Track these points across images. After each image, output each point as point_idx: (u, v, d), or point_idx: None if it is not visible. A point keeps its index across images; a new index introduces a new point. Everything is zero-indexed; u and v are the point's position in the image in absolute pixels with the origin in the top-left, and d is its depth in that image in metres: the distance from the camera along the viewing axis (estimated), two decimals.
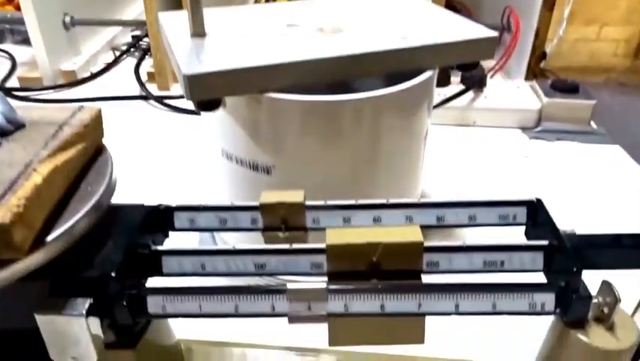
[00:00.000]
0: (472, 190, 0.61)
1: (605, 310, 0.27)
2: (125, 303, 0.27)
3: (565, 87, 0.74)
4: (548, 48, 0.85)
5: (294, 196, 0.31)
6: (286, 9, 0.50)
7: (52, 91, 0.83)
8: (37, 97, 0.82)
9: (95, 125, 0.31)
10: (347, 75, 0.41)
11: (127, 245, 0.28)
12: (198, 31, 0.43)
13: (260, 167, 0.42)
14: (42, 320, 0.26)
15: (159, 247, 0.29)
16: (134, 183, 0.53)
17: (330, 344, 0.27)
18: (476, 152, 0.70)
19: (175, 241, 0.32)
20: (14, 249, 0.23)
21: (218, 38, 0.43)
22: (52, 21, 0.84)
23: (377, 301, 0.26)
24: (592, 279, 0.27)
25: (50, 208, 0.26)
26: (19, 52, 0.94)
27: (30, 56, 0.87)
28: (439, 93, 0.73)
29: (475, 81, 0.75)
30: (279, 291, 0.26)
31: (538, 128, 0.74)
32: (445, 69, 0.77)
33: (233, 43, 0.42)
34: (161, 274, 0.29)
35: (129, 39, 0.99)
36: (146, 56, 0.91)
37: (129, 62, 0.93)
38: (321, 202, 0.31)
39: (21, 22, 0.82)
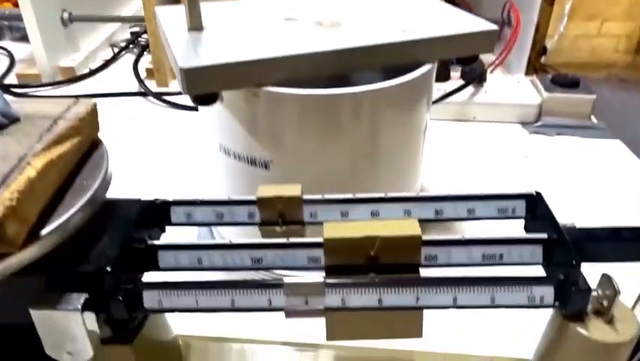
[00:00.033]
0: (472, 185, 0.61)
1: (605, 303, 0.26)
2: (120, 298, 0.26)
3: (565, 82, 0.74)
4: (549, 44, 0.84)
5: (292, 190, 0.31)
6: (285, 2, 0.50)
7: (50, 88, 0.83)
8: (35, 93, 0.82)
9: (91, 118, 0.31)
10: (346, 69, 0.41)
11: (123, 240, 0.28)
12: (195, 24, 0.42)
13: (258, 162, 0.42)
14: (37, 315, 0.25)
15: (155, 242, 0.29)
16: (133, 180, 0.53)
17: (328, 338, 0.27)
18: (476, 147, 0.69)
19: (174, 236, 0.32)
20: (7, 243, 0.23)
21: (216, 32, 0.43)
22: (50, 17, 0.83)
23: (375, 295, 0.26)
24: (592, 272, 0.27)
25: (44, 202, 0.26)
26: (18, 49, 0.94)
27: (28, 52, 0.87)
28: (439, 88, 0.73)
29: (475, 76, 0.75)
30: (276, 285, 0.26)
31: (539, 123, 0.73)
32: (445, 64, 0.76)
33: (230, 36, 0.42)
34: (157, 268, 0.29)
35: (128, 35, 0.99)
36: (145, 53, 0.91)
37: (128, 58, 0.93)
38: (318, 196, 0.31)
39: (19, 18, 0.82)
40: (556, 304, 0.26)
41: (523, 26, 0.77)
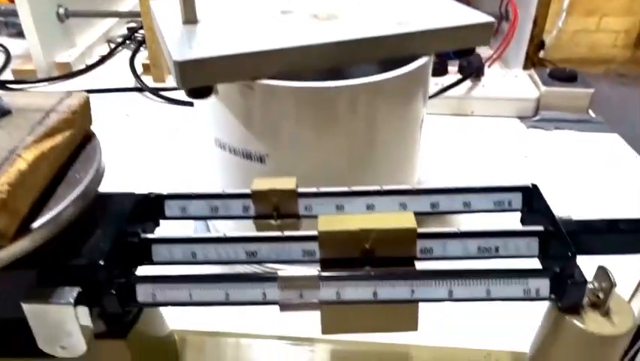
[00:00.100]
0: (469, 179, 0.60)
1: (601, 295, 0.26)
2: (114, 291, 0.26)
3: (563, 76, 0.74)
4: (548, 39, 0.84)
5: (286, 183, 0.31)
6: None
7: (46, 83, 0.83)
8: (31, 89, 0.81)
9: (84, 111, 0.31)
10: (342, 61, 0.40)
11: (116, 233, 0.28)
12: (190, 17, 0.42)
13: (253, 156, 0.42)
14: (29, 309, 0.25)
15: (149, 235, 0.29)
16: (129, 175, 0.53)
17: (323, 332, 0.27)
18: (474, 141, 0.69)
19: (169, 230, 0.31)
20: None
21: (211, 25, 0.42)
22: (46, 13, 0.83)
23: (370, 289, 0.26)
24: (589, 265, 0.27)
25: (36, 195, 0.25)
26: (14, 44, 0.93)
27: (24, 48, 0.86)
28: (437, 82, 0.73)
29: (472, 70, 0.75)
30: (271, 278, 0.26)
31: (537, 117, 0.73)
32: (442, 58, 0.76)
33: (225, 29, 0.41)
34: (151, 262, 0.29)
35: (124, 31, 0.98)
36: (142, 48, 0.90)
37: (124, 54, 0.93)
38: (313, 189, 0.31)
39: (15, 14, 0.81)
40: (552, 296, 0.26)
41: (521, 20, 0.76)
